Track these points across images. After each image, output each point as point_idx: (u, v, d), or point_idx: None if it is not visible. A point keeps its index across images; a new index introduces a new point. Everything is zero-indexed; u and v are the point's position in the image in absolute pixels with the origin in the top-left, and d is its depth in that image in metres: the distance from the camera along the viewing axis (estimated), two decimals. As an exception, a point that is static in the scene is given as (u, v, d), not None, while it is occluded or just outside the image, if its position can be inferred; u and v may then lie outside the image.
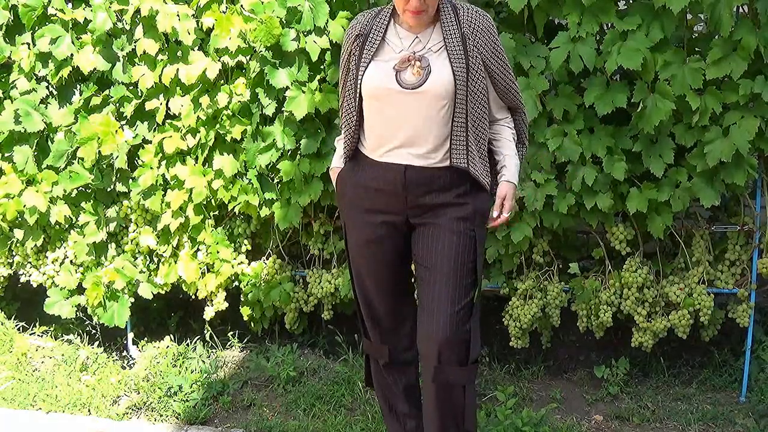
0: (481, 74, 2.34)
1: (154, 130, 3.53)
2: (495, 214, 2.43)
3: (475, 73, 2.32)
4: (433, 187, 2.36)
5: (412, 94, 2.30)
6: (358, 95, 2.37)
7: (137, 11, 3.36)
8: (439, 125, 2.33)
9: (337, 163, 2.56)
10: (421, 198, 2.37)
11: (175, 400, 3.37)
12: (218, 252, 3.52)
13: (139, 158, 3.54)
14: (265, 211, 3.44)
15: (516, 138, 2.52)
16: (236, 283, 3.62)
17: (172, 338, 3.84)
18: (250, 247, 3.63)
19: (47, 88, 3.58)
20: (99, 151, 3.44)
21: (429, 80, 2.29)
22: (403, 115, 2.32)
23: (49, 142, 3.62)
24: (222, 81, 3.41)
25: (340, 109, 2.50)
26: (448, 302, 2.36)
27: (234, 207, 3.47)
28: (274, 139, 3.33)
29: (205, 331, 3.79)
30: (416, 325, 2.46)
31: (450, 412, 2.42)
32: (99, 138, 3.42)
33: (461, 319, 2.36)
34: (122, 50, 3.47)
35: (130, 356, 3.81)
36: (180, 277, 3.56)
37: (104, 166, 3.55)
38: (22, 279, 3.89)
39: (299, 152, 3.35)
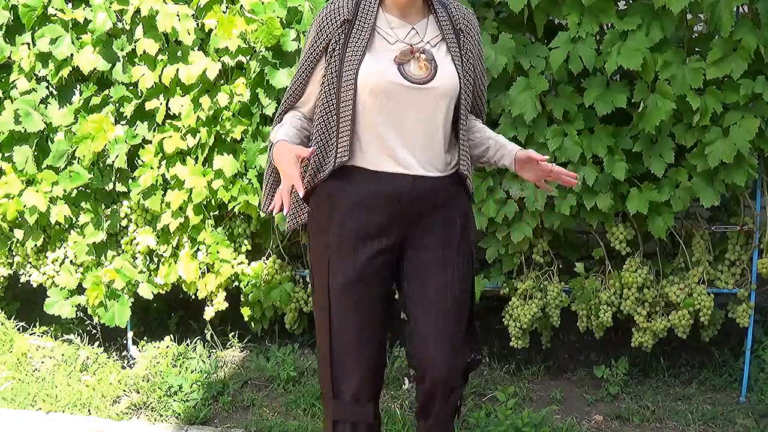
0: (471, 74, 2.19)
1: (154, 130, 3.52)
2: (547, 164, 2.17)
3: (467, 72, 2.17)
4: (437, 201, 2.16)
5: (420, 90, 2.08)
6: (351, 91, 2.08)
7: (137, 11, 3.36)
8: (444, 127, 2.15)
9: (281, 137, 2.10)
10: (425, 214, 2.15)
11: (175, 400, 3.37)
12: (218, 252, 3.52)
13: (139, 158, 3.54)
14: (265, 211, 3.44)
15: None
16: (236, 283, 3.62)
17: (172, 338, 3.84)
18: (250, 247, 3.63)
19: (47, 88, 3.58)
20: (97, 151, 3.44)
21: (438, 75, 2.10)
22: (408, 115, 2.09)
23: (49, 142, 3.62)
24: (222, 81, 3.41)
25: (291, 101, 2.21)
26: (450, 338, 2.15)
27: (234, 207, 3.47)
28: (274, 139, 3.33)
29: (205, 331, 3.79)
30: (382, 363, 2.24)
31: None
32: (92, 135, 3.42)
33: (464, 349, 2.20)
34: (122, 50, 3.47)
35: (130, 356, 3.80)
36: (180, 277, 3.55)
37: (102, 165, 3.55)
38: (22, 279, 3.89)
39: (299, 152, 3.35)
